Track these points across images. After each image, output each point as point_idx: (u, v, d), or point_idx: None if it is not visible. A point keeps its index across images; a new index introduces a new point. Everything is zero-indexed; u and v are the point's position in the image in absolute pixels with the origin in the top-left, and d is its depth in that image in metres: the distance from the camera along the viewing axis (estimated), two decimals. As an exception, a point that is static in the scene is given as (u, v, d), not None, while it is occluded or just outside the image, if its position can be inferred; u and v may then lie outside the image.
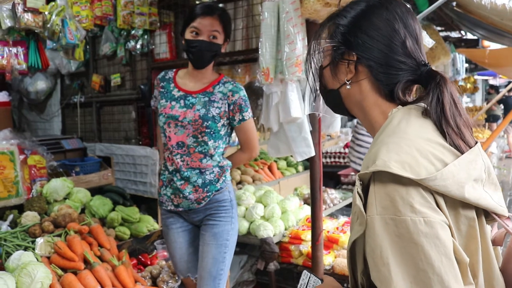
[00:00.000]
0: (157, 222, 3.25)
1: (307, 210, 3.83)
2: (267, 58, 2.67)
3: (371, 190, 0.87)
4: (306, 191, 4.39)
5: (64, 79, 4.94)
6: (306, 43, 2.69)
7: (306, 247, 3.27)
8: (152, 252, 3.08)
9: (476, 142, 0.97)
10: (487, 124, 10.92)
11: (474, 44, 6.45)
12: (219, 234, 2.21)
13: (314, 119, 2.82)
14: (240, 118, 2.21)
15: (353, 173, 5.83)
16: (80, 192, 3.09)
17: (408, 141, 0.89)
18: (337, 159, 6.58)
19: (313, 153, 2.77)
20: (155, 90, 2.32)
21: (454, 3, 3.78)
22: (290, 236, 3.41)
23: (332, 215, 4.33)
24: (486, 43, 6.30)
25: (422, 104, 1.01)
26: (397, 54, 1.01)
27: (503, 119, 6.73)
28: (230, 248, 2.27)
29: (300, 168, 5.23)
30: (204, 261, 2.20)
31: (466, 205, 0.88)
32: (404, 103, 1.03)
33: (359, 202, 0.88)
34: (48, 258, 2.39)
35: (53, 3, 3.05)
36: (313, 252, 2.95)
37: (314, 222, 2.93)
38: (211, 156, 2.18)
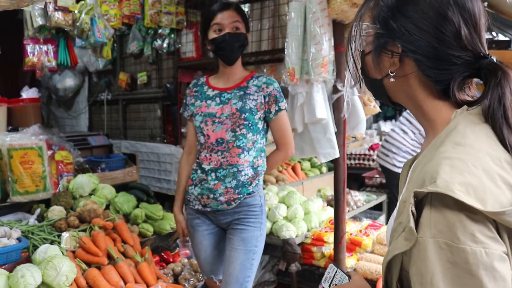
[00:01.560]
0: (180, 220, 3.27)
1: (330, 212, 3.80)
2: (293, 59, 2.66)
3: (426, 210, 0.78)
4: (330, 192, 4.36)
5: (91, 77, 5.03)
6: (333, 44, 2.66)
7: (328, 249, 3.24)
8: (175, 249, 3.11)
9: None
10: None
11: (505, 45, 6.28)
12: (247, 239, 2.17)
13: (339, 121, 2.79)
14: (276, 109, 2.19)
15: (377, 176, 5.76)
16: (105, 188, 3.14)
17: (475, 159, 0.78)
18: (361, 161, 6.50)
19: (337, 155, 2.74)
20: (188, 98, 2.30)
21: (486, 4, 3.69)
22: (312, 237, 3.38)
23: (355, 218, 4.28)
24: (518, 44, 6.13)
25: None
26: (450, 47, 0.87)
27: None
28: (258, 254, 2.23)
29: (324, 169, 5.19)
30: (231, 267, 2.15)
31: None
32: (462, 103, 0.90)
33: (412, 223, 0.78)
34: (73, 252, 2.43)
35: (82, 2, 3.10)
36: (336, 254, 2.93)
37: (337, 224, 2.90)
38: (248, 150, 2.15)
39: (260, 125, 2.19)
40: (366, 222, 3.90)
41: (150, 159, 4.08)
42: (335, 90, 2.78)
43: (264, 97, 2.17)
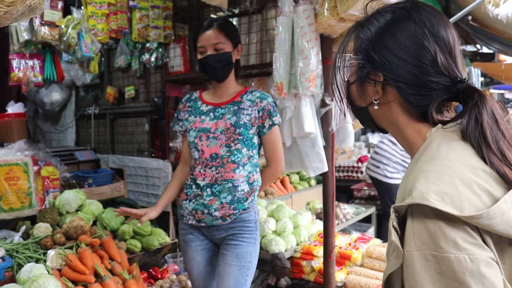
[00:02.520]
0: (168, 235, 3.24)
1: (319, 225, 3.79)
2: (281, 73, 2.67)
3: (409, 223, 0.80)
4: (319, 205, 4.35)
5: (79, 91, 5.00)
6: (320, 58, 2.68)
7: (318, 263, 3.22)
8: (163, 265, 3.07)
9: None
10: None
11: (490, 58, 6.38)
12: (242, 255, 2.15)
13: (327, 134, 2.80)
14: (270, 123, 2.19)
15: (366, 188, 5.78)
16: (93, 204, 3.10)
17: (449, 169, 0.81)
18: (350, 173, 6.52)
19: (326, 169, 2.75)
20: (181, 113, 2.28)
21: (470, 18, 3.76)
22: (302, 251, 3.37)
23: (344, 231, 4.27)
24: (502, 57, 6.23)
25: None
26: (428, 74, 0.92)
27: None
28: (252, 270, 2.21)
29: (313, 182, 5.19)
30: (224, 282, 2.13)
31: None
32: (441, 122, 0.94)
33: (395, 237, 0.81)
34: (59, 270, 2.38)
35: (69, 16, 3.09)
36: (325, 268, 2.91)
37: (327, 238, 2.89)
38: (244, 165, 2.14)
39: (255, 140, 2.19)
40: (355, 235, 3.89)
41: (138, 174, 4.04)
42: (323, 104, 2.79)
43: (258, 112, 2.17)
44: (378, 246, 3.40)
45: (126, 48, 4.10)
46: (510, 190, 0.80)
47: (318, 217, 4.07)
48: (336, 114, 2.79)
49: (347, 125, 3.08)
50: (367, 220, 5.06)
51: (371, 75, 0.98)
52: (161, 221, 3.44)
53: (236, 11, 4.00)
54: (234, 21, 4.80)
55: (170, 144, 3.94)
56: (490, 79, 9.48)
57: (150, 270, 2.95)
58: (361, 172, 6.33)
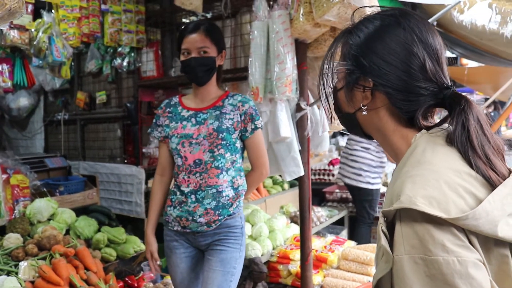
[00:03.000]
0: (144, 243, 3.19)
1: (294, 229, 3.81)
2: (257, 78, 2.68)
3: (397, 228, 0.81)
4: (293, 209, 4.38)
5: (47, 96, 4.87)
6: (295, 63, 2.70)
7: (294, 267, 3.24)
8: (139, 273, 3.02)
9: (510, 172, 0.89)
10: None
11: (452, 61, 6.58)
12: (226, 260, 2.13)
13: (303, 139, 2.82)
14: (253, 127, 2.18)
15: (338, 190, 5.84)
16: (65, 212, 3.02)
17: (435, 173, 0.83)
18: (321, 176, 6.57)
19: (302, 173, 2.77)
20: (160, 118, 2.24)
21: (435, 23, 3.86)
22: (278, 255, 3.38)
23: (318, 233, 4.31)
24: (464, 61, 6.43)
25: (446, 126, 0.95)
26: (417, 80, 0.93)
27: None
28: (236, 276, 2.19)
29: (286, 186, 5.22)
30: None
31: (499, 241, 0.82)
32: (426, 128, 0.97)
33: (384, 242, 0.81)
34: (32, 282, 2.31)
35: (40, 20, 3.01)
36: (302, 272, 2.93)
37: (303, 241, 2.91)
38: (227, 170, 2.13)
39: (238, 144, 2.18)
40: (330, 237, 3.94)
41: (110, 180, 3.96)
42: (298, 108, 2.81)
43: (240, 116, 2.16)
44: (353, 248, 3.45)
45: (97, 53, 4.02)
46: (493, 191, 0.82)
47: (292, 221, 4.09)
48: (321, 120, 2.81)
49: (322, 129, 3.12)
50: (339, 222, 5.12)
51: (360, 80, 0.99)
52: (135, 228, 3.38)
53: (209, 15, 3.99)
54: (207, 25, 4.79)
55: (144, 150, 3.88)
56: (452, 82, 9.76)
57: (126, 279, 2.90)
58: (333, 175, 6.38)
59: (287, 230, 3.77)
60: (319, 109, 3.01)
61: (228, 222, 2.15)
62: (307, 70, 2.96)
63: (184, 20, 4.20)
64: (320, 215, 4.54)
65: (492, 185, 0.84)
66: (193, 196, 2.10)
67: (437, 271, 0.76)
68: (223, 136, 2.10)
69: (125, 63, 3.79)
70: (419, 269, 0.77)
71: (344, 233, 5.02)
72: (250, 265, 3.20)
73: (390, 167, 5.25)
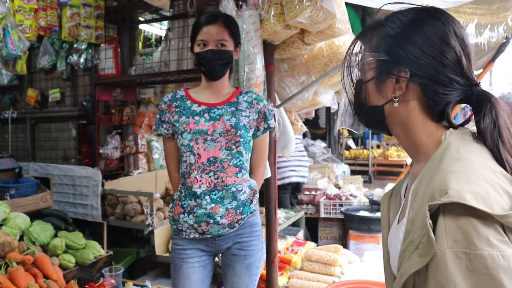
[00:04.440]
0: (103, 248, 3.05)
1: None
2: (226, 78, 2.63)
3: (440, 222, 0.82)
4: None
5: (-7, 93, 4.57)
6: (264, 64, 2.69)
7: (259, 270, 3.21)
8: (99, 280, 2.88)
9: None
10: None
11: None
12: (252, 264, 2.05)
13: (269, 140, 2.80)
14: (266, 126, 2.12)
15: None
16: (19, 217, 2.82)
17: (474, 171, 0.84)
18: (276, 178, 6.59)
19: (269, 174, 2.75)
20: (166, 114, 2.09)
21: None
22: (242, 258, 3.34)
23: (278, 235, 4.31)
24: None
25: (467, 127, 0.98)
26: (452, 72, 0.95)
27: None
28: (260, 271, 2.14)
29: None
30: None
31: None
32: (451, 125, 0.98)
33: (432, 234, 0.81)
34: (-14, 293, 2.14)
35: (-9, 10, 2.81)
36: (268, 274, 2.91)
37: (270, 243, 2.89)
38: (246, 169, 2.04)
39: (252, 143, 2.10)
40: (291, 239, 3.95)
41: (64, 183, 3.77)
42: (266, 110, 2.80)
43: (255, 114, 2.09)
44: (316, 249, 3.48)
45: (51, 48, 3.81)
46: None
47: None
48: (278, 119, 2.79)
49: (289, 131, 3.12)
50: (294, 224, 5.16)
51: (394, 71, 0.98)
52: (93, 233, 3.23)
53: (169, 14, 3.90)
54: (166, 24, 4.68)
55: (100, 151, 3.72)
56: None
57: (86, 286, 2.75)
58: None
59: (249, 233, 3.73)
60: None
61: (251, 220, 2.08)
62: (274, 72, 2.95)
63: (141, 18, 4.08)
64: (278, 217, 4.54)
65: None
66: (207, 197, 1.97)
67: (481, 265, 0.77)
68: (241, 133, 2.00)
69: (82, 60, 3.62)
70: (461, 264, 0.78)
71: (301, 235, 5.05)
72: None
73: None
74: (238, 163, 2.01)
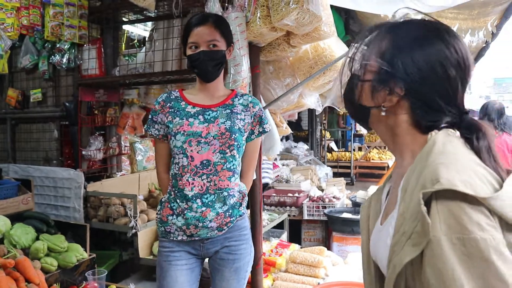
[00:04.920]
0: (86, 251, 3.01)
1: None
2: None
3: (433, 209, 0.84)
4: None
5: (-29, 93, 4.46)
6: (249, 66, 2.69)
7: (244, 272, 3.21)
8: (81, 283, 2.83)
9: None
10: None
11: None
12: (240, 268, 2.05)
13: (256, 142, 2.81)
14: (260, 130, 2.11)
15: (274, 194, 5.88)
16: (-1, 219, 2.77)
17: (460, 162, 0.89)
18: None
19: (254, 176, 2.75)
20: (159, 115, 2.07)
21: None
22: (227, 260, 3.33)
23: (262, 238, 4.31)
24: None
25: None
26: (445, 102, 0.98)
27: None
28: (248, 274, 2.14)
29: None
30: None
31: (510, 228, 0.86)
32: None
33: (428, 219, 0.84)
34: (-34, 297, 2.09)
35: (-29, 8, 2.76)
36: (253, 276, 2.91)
37: (255, 245, 2.88)
38: (238, 173, 2.02)
39: (244, 147, 2.09)
40: (275, 241, 3.96)
41: (45, 184, 3.70)
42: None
43: (251, 117, 2.08)
44: (300, 251, 3.49)
45: (33, 47, 3.74)
46: (508, 178, 0.89)
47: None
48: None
49: (274, 133, 3.13)
50: (278, 226, 5.17)
51: (390, 83, 0.99)
52: (76, 235, 3.18)
53: (153, 14, 3.87)
54: (150, 25, 4.64)
55: (83, 152, 3.67)
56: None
57: (68, 290, 2.71)
58: (262, 178, 6.49)
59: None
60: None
61: (239, 224, 2.07)
62: (259, 74, 2.96)
63: (125, 18, 4.04)
64: (262, 219, 4.54)
65: (503, 180, 0.90)
66: (199, 201, 1.95)
67: (475, 249, 0.80)
68: (235, 137, 1.99)
69: (64, 60, 3.56)
70: (456, 249, 0.81)
71: (284, 237, 5.07)
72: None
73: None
74: (232, 167, 2.00)
